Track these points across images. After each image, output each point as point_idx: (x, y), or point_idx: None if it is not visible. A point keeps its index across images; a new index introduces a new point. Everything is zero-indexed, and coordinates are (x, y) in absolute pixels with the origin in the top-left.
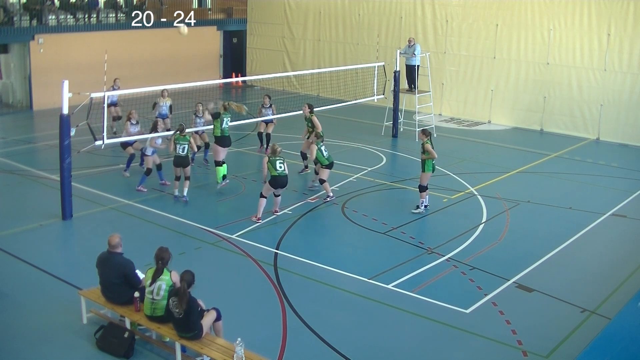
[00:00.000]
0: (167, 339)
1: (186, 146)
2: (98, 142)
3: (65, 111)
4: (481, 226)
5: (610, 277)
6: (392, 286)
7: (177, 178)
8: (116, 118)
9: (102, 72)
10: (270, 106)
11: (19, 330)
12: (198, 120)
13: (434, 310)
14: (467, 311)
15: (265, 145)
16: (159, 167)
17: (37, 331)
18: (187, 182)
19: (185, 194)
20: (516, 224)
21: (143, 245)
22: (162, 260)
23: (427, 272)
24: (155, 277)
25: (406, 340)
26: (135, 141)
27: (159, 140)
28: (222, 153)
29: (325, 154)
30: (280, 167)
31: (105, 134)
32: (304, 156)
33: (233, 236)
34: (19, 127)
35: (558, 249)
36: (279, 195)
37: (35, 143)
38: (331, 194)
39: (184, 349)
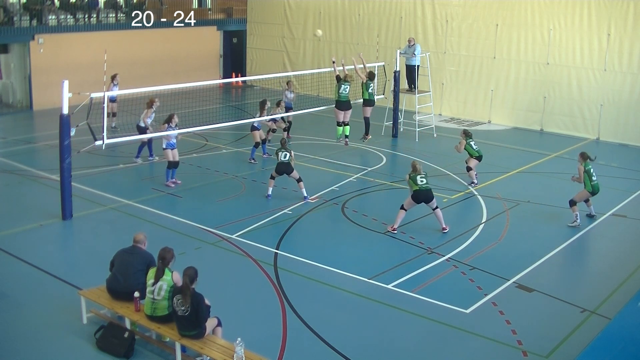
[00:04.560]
0: (167, 339)
1: (288, 154)
2: (98, 142)
3: (65, 111)
4: (481, 226)
5: (610, 277)
6: (392, 286)
7: (273, 177)
8: (113, 115)
9: (102, 72)
10: (292, 91)
11: (19, 330)
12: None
13: (434, 310)
14: (467, 311)
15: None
16: (175, 164)
17: (37, 331)
18: (302, 184)
19: (305, 193)
20: (516, 224)
21: None
22: (162, 260)
23: (427, 272)
24: (157, 277)
25: (406, 340)
26: None
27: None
28: (340, 115)
29: (475, 147)
30: (422, 181)
31: (105, 133)
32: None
33: (233, 236)
34: (19, 127)
35: (558, 249)
36: (436, 208)
37: (35, 143)
38: (475, 181)
39: (184, 349)
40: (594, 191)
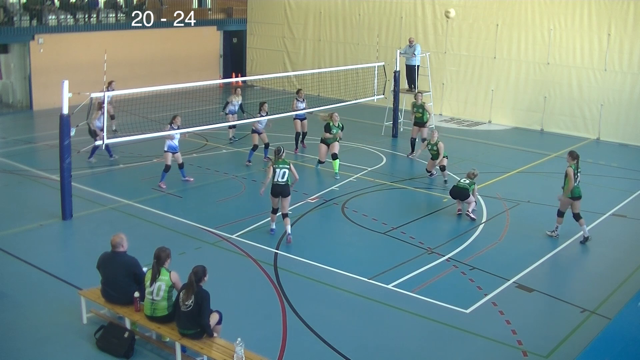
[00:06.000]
0: (167, 339)
1: (287, 171)
2: (98, 142)
3: (65, 111)
4: (481, 226)
5: (610, 277)
6: (392, 286)
7: (274, 211)
8: (112, 117)
9: (102, 72)
10: (304, 100)
11: (19, 330)
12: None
13: (434, 310)
14: (467, 311)
15: (302, 142)
16: (180, 165)
17: (37, 331)
18: (288, 220)
19: (289, 231)
20: (516, 224)
21: (143, 245)
22: (157, 260)
23: (427, 272)
24: (154, 277)
25: (406, 340)
26: None
27: (177, 136)
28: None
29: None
30: (465, 180)
31: (105, 133)
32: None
33: (233, 236)
34: (19, 127)
35: (558, 249)
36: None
37: (35, 143)
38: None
39: (184, 349)
40: (573, 196)
